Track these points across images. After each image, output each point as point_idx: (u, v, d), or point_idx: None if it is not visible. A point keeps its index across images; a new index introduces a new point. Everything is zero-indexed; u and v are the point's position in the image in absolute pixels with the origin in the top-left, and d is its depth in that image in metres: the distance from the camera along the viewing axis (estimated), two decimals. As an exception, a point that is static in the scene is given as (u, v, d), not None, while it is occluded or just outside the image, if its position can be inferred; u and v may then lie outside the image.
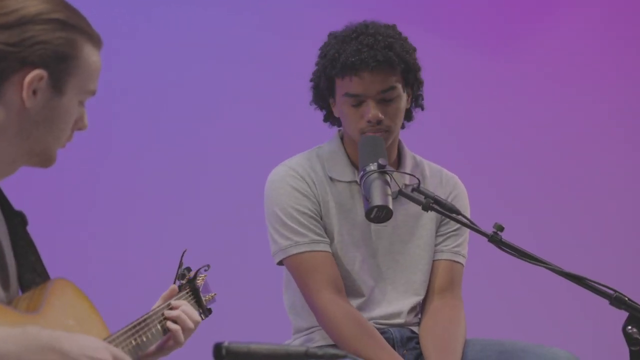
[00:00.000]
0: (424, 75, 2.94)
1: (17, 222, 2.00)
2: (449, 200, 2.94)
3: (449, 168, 3.09)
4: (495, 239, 2.45)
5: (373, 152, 2.57)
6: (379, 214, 2.47)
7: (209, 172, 4.28)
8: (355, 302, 2.86)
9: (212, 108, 4.31)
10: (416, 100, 2.94)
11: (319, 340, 2.86)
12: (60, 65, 1.87)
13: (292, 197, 2.85)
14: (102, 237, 4.20)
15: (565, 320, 4.40)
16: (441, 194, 2.94)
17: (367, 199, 2.48)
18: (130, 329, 2.10)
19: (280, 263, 2.88)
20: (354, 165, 2.89)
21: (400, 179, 2.84)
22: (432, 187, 2.95)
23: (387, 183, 2.51)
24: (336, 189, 2.88)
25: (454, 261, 2.96)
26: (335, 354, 1.89)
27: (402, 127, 2.95)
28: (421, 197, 2.49)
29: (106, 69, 1.98)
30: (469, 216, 2.98)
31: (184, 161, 4.28)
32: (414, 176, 2.60)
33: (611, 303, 2.38)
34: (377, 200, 2.46)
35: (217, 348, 1.90)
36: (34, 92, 1.85)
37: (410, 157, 2.97)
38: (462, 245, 2.98)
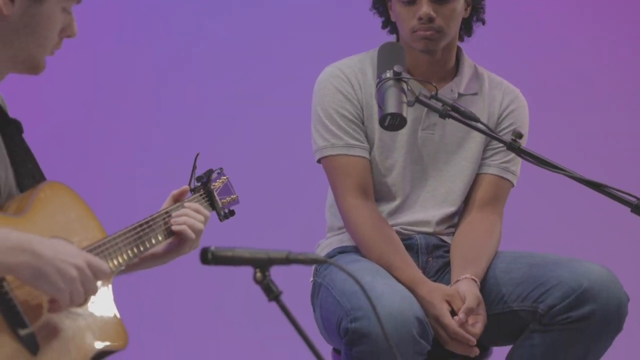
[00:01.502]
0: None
1: (12, 130, 2.03)
2: (506, 112, 2.93)
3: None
4: (513, 147, 2.40)
5: (390, 59, 2.52)
6: (393, 122, 2.44)
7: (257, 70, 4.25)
8: (388, 207, 2.87)
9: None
10: (477, 12, 2.89)
11: (347, 241, 2.87)
12: None
13: (334, 99, 2.85)
14: (110, 140, 4.19)
15: (588, 232, 4.29)
16: (498, 105, 2.93)
17: (380, 106, 2.44)
18: (129, 232, 2.11)
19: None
20: (407, 70, 2.85)
21: (455, 88, 2.84)
22: (489, 98, 2.92)
23: (402, 91, 2.46)
24: None
25: (502, 177, 2.92)
26: (315, 259, 1.89)
27: (461, 39, 2.92)
28: (439, 105, 2.45)
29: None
30: (526, 131, 2.94)
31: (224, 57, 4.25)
32: (432, 84, 2.55)
33: (632, 210, 2.32)
34: (390, 107, 2.43)
35: (204, 252, 1.91)
36: (11, 0, 1.87)
37: (469, 66, 2.93)
38: (512, 162, 2.92)
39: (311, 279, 2.89)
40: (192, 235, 2.28)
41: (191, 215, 2.29)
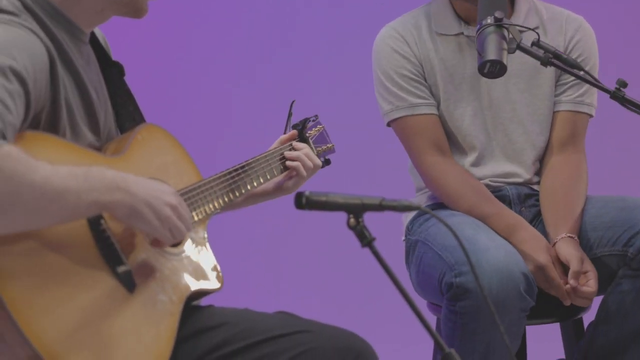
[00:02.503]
0: None
1: (114, 72, 2.06)
2: (572, 44, 2.84)
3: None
4: (617, 95, 2.34)
5: (491, 4, 2.47)
6: (493, 69, 2.39)
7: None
8: (467, 159, 2.82)
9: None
10: None
11: (437, 198, 2.83)
12: None
13: (391, 60, 2.81)
14: (205, 87, 4.18)
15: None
16: (562, 38, 2.83)
17: (480, 53, 2.40)
18: (224, 176, 2.13)
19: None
20: (461, 18, 2.81)
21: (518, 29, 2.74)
22: (551, 32, 2.84)
23: (503, 37, 2.41)
24: (442, 44, 2.80)
25: (577, 112, 2.83)
26: (408, 205, 1.88)
27: None
28: (540, 52, 2.40)
29: None
30: (596, 61, 2.85)
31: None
32: (532, 30, 2.49)
33: None
34: (490, 54, 2.38)
35: (298, 197, 1.92)
36: None
37: (525, 0, 2.84)
38: (586, 94, 2.82)
39: (403, 238, 2.86)
40: (304, 173, 2.33)
41: (307, 155, 2.35)
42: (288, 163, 2.33)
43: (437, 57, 2.80)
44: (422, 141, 2.78)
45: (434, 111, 2.80)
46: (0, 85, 1.59)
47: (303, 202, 1.92)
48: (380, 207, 1.88)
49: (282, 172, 2.33)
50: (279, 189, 2.37)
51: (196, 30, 4.20)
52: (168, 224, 1.80)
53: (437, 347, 1.86)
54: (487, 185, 2.80)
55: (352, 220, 1.89)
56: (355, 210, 1.88)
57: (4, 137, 1.57)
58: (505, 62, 2.38)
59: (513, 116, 2.82)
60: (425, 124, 2.79)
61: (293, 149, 2.37)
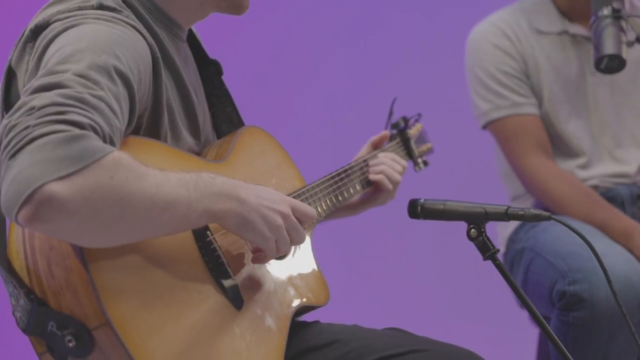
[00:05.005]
0: None
1: (211, 71, 1.94)
2: None
3: None
4: None
5: (607, -5, 2.32)
6: (611, 64, 2.25)
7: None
8: (573, 162, 2.66)
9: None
10: None
11: (539, 204, 2.67)
12: None
13: (493, 56, 2.65)
14: (300, 83, 4.05)
15: None
16: None
17: (597, 47, 2.24)
18: (327, 180, 2.01)
19: (485, 127, 2.71)
20: (563, 14, 2.64)
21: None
22: None
23: (621, 29, 2.26)
24: (544, 42, 2.65)
25: None
26: (537, 214, 1.73)
27: None
28: (660, 45, 2.25)
29: None
30: None
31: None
32: (654, 21, 2.33)
33: None
34: (609, 48, 2.24)
35: (413, 205, 1.78)
36: None
37: None
38: None
39: (503, 250, 2.68)
40: (390, 186, 2.17)
41: (389, 165, 2.17)
42: (372, 177, 2.15)
43: (543, 55, 2.65)
44: (525, 142, 2.61)
45: (537, 111, 2.65)
46: (105, 87, 1.46)
47: (418, 211, 1.78)
48: (505, 216, 1.73)
49: (363, 185, 2.15)
50: (365, 203, 2.20)
51: (292, 29, 4.07)
52: (277, 234, 1.66)
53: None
54: (597, 187, 2.65)
55: (473, 230, 1.74)
56: (478, 220, 1.74)
57: (113, 143, 1.45)
58: (625, 56, 2.24)
59: (619, 118, 2.67)
60: (530, 124, 2.63)
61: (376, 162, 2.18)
